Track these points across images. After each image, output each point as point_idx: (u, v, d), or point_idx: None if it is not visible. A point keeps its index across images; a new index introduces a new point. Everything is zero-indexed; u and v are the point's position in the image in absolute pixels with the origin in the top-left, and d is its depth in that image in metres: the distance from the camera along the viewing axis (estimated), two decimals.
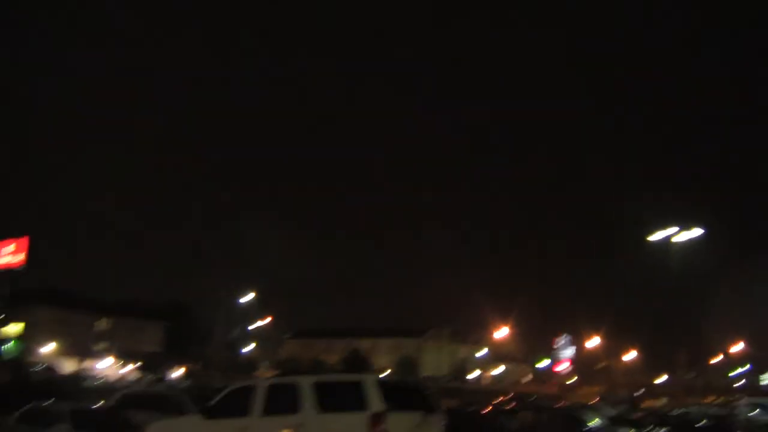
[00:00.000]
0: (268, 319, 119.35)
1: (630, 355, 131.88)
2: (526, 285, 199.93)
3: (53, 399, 24.86)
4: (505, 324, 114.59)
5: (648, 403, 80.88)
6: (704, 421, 38.04)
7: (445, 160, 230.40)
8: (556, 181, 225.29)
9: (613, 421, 34.19)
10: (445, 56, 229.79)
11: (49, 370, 79.94)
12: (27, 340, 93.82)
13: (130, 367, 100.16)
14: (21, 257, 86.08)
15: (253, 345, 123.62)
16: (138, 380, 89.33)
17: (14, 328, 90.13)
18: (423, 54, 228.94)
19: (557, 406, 41.67)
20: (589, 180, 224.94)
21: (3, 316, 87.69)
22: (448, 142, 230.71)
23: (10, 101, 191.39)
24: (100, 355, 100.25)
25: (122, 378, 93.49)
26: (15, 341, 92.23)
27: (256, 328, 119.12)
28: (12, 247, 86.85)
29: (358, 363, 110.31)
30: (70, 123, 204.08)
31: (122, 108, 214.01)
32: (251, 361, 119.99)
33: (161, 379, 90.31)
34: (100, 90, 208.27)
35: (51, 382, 67.34)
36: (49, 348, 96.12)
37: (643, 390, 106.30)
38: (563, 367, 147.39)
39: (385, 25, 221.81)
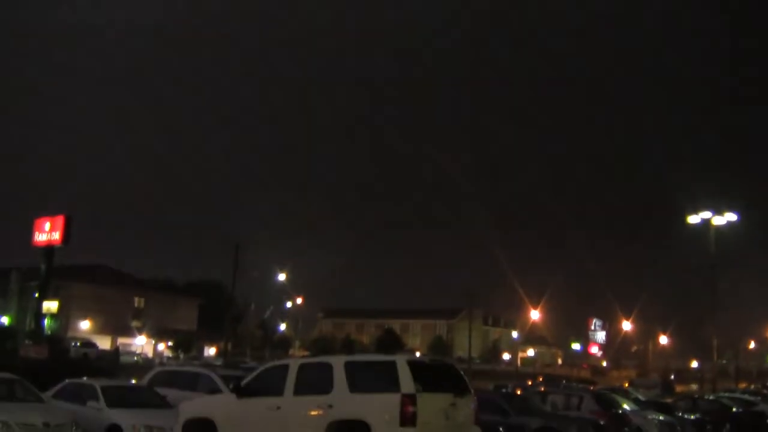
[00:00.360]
0: (301, 299, 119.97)
1: (663, 339, 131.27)
2: (560, 268, 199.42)
3: (88, 376, 25.19)
4: (538, 307, 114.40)
5: (680, 388, 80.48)
6: (736, 407, 37.80)
7: (477, 138, 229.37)
8: (590, 162, 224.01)
9: (644, 406, 34.07)
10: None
11: (87, 346, 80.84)
12: (63, 316, 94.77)
13: (165, 344, 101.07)
14: (57, 235, 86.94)
15: (285, 324, 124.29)
16: (173, 358, 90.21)
17: (51, 305, 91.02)
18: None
19: (588, 389, 41.52)
20: (625, 160, 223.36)
21: (41, 293, 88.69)
22: (482, 115, 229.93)
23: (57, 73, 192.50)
24: (135, 332, 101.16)
25: (157, 355, 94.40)
26: (51, 318, 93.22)
27: (289, 307, 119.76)
28: (48, 225, 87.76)
29: (391, 343, 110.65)
30: (115, 96, 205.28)
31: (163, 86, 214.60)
32: (284, 340, 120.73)
33: (196, 357, 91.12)
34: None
35: (88, 358, 68.33)
36: (84, 325, 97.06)
37: (675, 375, 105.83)
38: (595, 350, 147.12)
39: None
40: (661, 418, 30.39)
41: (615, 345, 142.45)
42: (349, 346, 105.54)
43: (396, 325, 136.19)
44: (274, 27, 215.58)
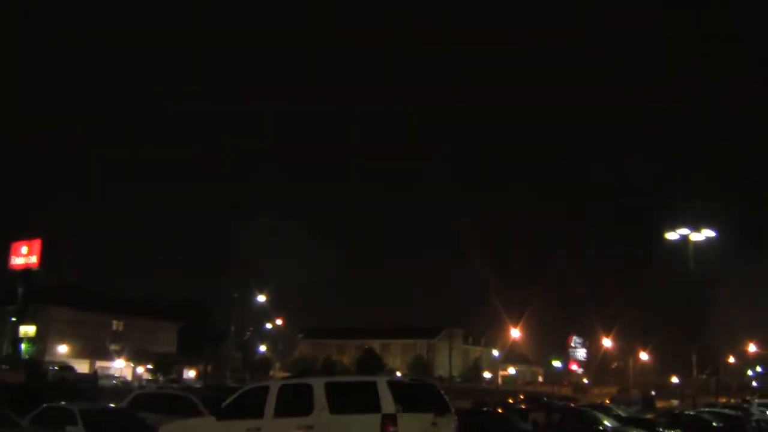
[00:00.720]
0: (280, 320, 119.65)
1: (643, 356, 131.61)
2: (540, 286, 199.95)
3: (67, 399, 25.00)
4: (518, 325, 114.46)
5: (661, 404, 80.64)
6: (716, 422, 37.89)
7: (458, 160, 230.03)
8: (570, 181, 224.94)
9: (625, 422, 34.14)
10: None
11: (65, 370, 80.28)
12: (41, 340, 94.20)
13: (144, 367, 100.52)
14: (34, 259, 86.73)
15: (265, 346, 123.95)
16: (152, 381, 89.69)
17: (28, 329, 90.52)
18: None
19: (569, 406, 41.57)
20: (605, 179, 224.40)
21: (18, 317, 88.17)
22: (466, 139, 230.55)
23: (23, 100, 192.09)
24: (114, 355, 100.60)
25: (136, 378, 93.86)
26: (28, 342, 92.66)
27: (268, 328, 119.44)
28: (25, 248, 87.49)
29: (371, 363, 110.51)
30: (82, 125, 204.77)
31: (133, 109, 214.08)
32: (264, 362, 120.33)
33: (175, 380, 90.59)
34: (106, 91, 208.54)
35: (66, 382, 67.74)
36: (62, 348, 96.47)
37: (655, 391, 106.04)
38: (575, 367, 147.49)
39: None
40: None
41: (595, 362, 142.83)
42: (329, 367, 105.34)
43: (376, 345, 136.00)
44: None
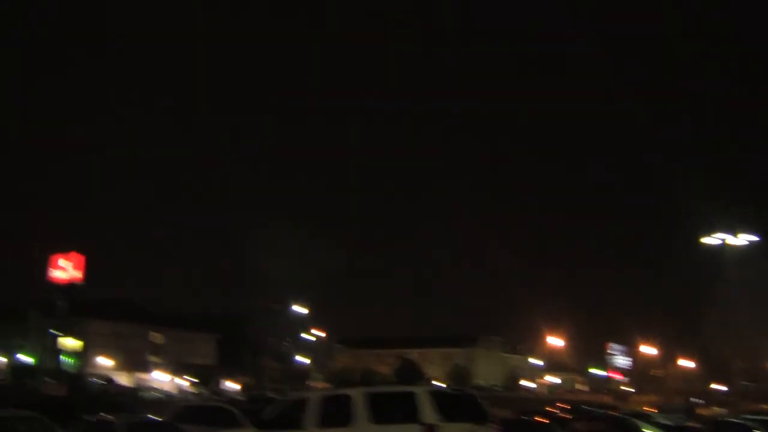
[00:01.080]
0: (319, 331, 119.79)
1: (686, 362, 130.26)
2: (580, 293, 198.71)
3: (108, 412, 25.17)
4: (558, 332, 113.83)
5: (704, 412, 79.79)
6: (760, 429, 37.45)
7: (493, 169, 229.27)
8: (609, 186, 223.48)
9: (668, 430, 33.88)
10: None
11: (107, 382, 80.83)
12: (82, 353, 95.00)
13: (184, 379, 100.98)
14: (77, 273, 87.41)
15: (304, 357, 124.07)
16: (193, 393, 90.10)
17: (72, 343, 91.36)
18: None
19: (611, 414, 41.21)
20: (642, 184, 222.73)
21: (60, 330, 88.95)
22: (495, 148, 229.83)
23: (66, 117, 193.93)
24: (154, 368, 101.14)
25: (178, 391, 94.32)
26: (71, 355, 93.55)
27: (307, 339, 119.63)
28: (67, 263, 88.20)
29: (410, 373, 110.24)
30: (126, 140, 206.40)
31: (178, 122, 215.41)
32: (303, 373, 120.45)
33: (216, 392, 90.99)
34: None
35: (107, 395, 68.27)
36: (104, 361, 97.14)
37: (698, 398, 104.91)
38: (617, 375, 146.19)
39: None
40: None
41: (636, 369, 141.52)
42: (368, 377, 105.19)
43: (415, 354, 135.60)
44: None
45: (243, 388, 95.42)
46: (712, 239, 62.25)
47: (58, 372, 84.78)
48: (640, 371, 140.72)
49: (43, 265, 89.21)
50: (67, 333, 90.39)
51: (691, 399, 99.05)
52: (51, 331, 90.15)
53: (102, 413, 24.88)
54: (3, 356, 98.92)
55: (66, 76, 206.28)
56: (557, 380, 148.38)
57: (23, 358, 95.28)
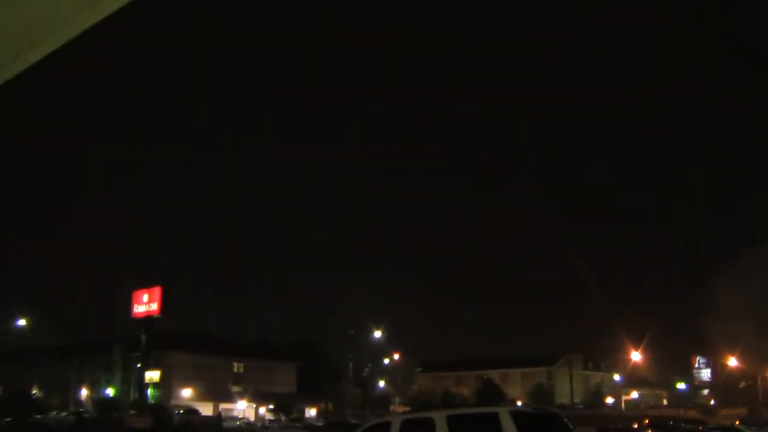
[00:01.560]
0: (398, 355, 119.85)
1: None
2: (659, 306, 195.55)
3: None
4: (639, 348, 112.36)
5: None
6: None
7: (557, 183, 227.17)
8: (684, 196, 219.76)
9: None
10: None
11: (190, 413, 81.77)
12: (165, 385, 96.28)
13: (265, 408, 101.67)
14: (155, 306, 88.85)
15: (384, 381, 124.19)
16: (274, 420, 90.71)
17: (153, 375, 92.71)
18: None
19: (697, 429, 40.59)
20: (716, 189, 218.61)
21: (143, 363, 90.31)
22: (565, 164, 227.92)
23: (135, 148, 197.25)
24: (236, 397, 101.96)
25: (260, 419, 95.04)
26: (153, 387, 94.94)
27: (386, 364, 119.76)
28: (146, 296, 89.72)
29: (491, 394, 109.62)
30: (203, 174, 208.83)
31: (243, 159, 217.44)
32: (383, 397, 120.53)
33: (298, 419, 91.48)
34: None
35: (192, 425, 69.17)
36: (186, 392, 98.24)
37: None
38: (702, 389, 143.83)
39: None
40: None
41: (721, 382, 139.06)
42: (449, 400, 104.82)
43: (495, 375, 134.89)
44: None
45: (323, 414, 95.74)
46: None
47: (144, 405, 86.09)
48: (725, 384, 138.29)
49: (126, 300, 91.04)
50: (150, 366, 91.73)
51: None
52: (134, 364, 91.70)
53: None
54: (88, 389, 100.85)
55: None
56: (638, 396, 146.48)
57: (108, 391, 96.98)
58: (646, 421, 77.52)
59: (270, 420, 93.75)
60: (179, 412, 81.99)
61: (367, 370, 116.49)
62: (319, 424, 70.69)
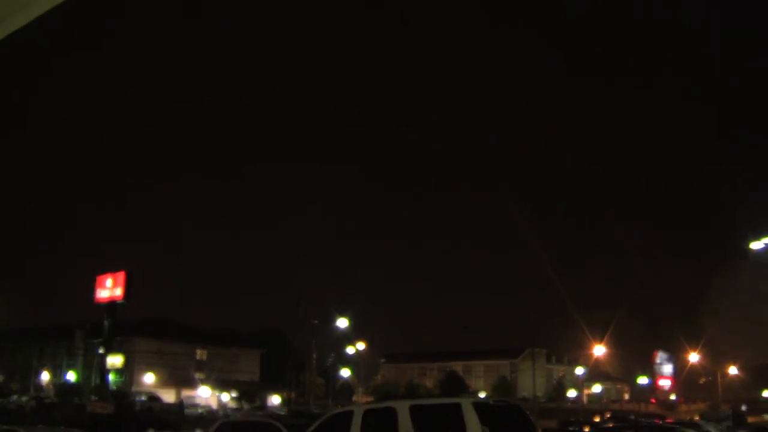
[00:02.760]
0: (362, 345, 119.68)
1: (732, 371, 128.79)
2: (623, 301, 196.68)
3: (154, 429, 25.31)
4: (602, 342, 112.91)
5: (752, 419, 78.83)
6: None
7: (534, 171, 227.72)
8: (650, 187, 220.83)
9: None
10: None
11: (152, 400, 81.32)
12: (128, 371, 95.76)
13: (228, 395, 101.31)
14: (119, 291, 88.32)
15: (348, 370, 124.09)
16: (237, 409, 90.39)
17: (115, 360, 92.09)
18: None
19: (657, 424, 40.77)
20: (688, 187, 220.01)
21: (105, 348, 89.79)
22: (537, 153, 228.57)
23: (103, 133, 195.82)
24: (198, 384, 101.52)
25: (221, 407, 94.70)
26: (115, 373, 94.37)
27: (350, 354, 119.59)
28: (110, 281, 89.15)
29: (454, 386, 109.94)
30: (163, 157, 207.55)
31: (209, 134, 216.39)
32: (347, 387, 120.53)
33: (260, 407, 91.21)
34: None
35: (153, 412, 68.75)
36: (148, 378, 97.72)
37: (746, 406, 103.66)
38: (663, 383, 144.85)
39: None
40: None
41: (682, 378, 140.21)
42: (412, 391, 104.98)
43: (458, 367, 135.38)
44: None
45: (286, 403, 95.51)
46: (760, 243, 61.26)
47: (105, 390, 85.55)
48: (686, 379, 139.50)
49: (88, 284, 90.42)
50: (113, 351, 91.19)
51: (742, 407, 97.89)
52: (96, 350, 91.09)
53: (147, 430, 25.03)
54: (50, 374, 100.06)
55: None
56: (600, 390, 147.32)
57: (70, 376, 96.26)
58: (608, 415, 78.05)
59: (232, 408, 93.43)
60: (141, 398, 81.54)
61: (330, 359, 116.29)
62: (282, 413, 70.32)
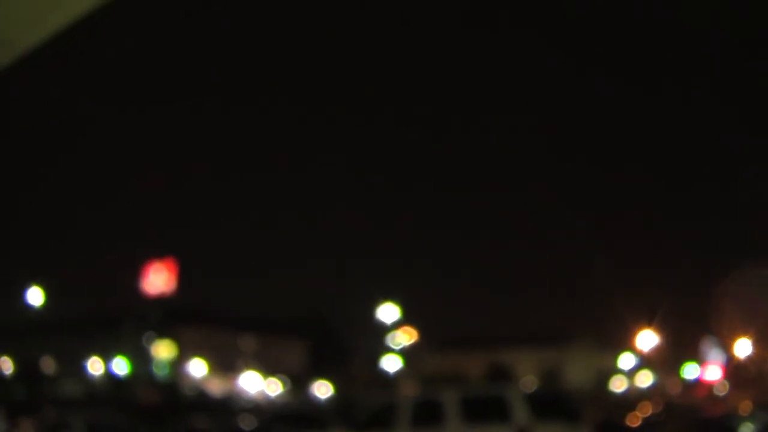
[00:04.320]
0: (411, 333, 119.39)
1: None
2: (673, 289, 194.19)
3: (202, 420, 25.52)
4: (652, 329, 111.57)
5: None
6: None
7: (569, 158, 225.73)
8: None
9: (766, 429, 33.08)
10: None
11: (200, 391, 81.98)
12: (177, 361, 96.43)
13: (275, 385, 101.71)
14: (168, 280, 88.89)
15: (395, 359, 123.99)
16: (284, 398, 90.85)
17: (165, 351, 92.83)
18: None
19: (707, 414, 40.42)
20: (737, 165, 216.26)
21: (154, 339, 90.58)
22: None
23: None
24: (245, 373, 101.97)
25: (269, 396, 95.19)
26: (164, 364, 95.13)
27: (398, 342, 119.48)
28: (158, 270, 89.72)
29: (501, 375, 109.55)
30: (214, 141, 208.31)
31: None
32: (394, 376, 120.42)
33: (307, 397, 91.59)
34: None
35: (201, 402, 69.42)
36: (196, 368, 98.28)
37: None
38: (712, 372, 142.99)
39: None
40: None
41: (736, 365, 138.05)
42: (460, 380, 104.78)
43: (505, 355, 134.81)
44: None
45: (334, 393, 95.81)
46: None
47: (153, 380, 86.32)
48: (737, 368, 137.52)
49: (136, 272, 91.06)
50: (161, 341, 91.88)
51: None
52: (145, 340, 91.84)
53: (196, 421, 25.23)
54: (102, 364, 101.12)
55: None
56: (649, 380, 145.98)
57: (119, 366, 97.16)
58: (657, 405, 77.17)
59: (282, 398, 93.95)
60: (188, 389, 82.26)
61: (379, 347, 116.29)
62: (330, 402, 70.70)
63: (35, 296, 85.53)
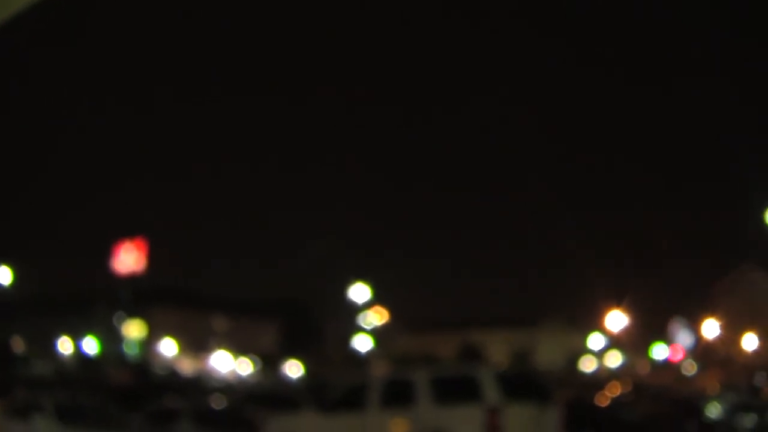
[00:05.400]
0: (381, 313, 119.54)
1: (752, 339, 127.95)
2: (642, 271, 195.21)
3: (172, 400, 25.43)
4: (622, 309, 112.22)
5: None
6: None
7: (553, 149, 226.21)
8: (670, 150, 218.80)
9: (736, 409, 33.36)
10: None
11: (170, 370, 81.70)
12: (146, 341, 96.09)
13: (247, 365, 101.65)
14: (139, 259, 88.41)
15: (366, 339, 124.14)
16: (256, 378, 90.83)
17: (135, 330, 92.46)
18: None
19: (677, 395, 40.76)
20: (706, 148, 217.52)
21: (124, 318, 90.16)
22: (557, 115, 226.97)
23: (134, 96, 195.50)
24: (216, 353, 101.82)
25: (240, 376, 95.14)
26: (134, 343, 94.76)
27: (370, 322, 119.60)
28: (128, 249, 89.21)
29: (472, 356, 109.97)
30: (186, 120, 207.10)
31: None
32: (366, 356, 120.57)
33: (279, 377, 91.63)
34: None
35: (171, 382, 69.12)
36: (167, 348, 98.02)
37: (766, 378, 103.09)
38: (680, 353, 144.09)
39: None
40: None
41: (704, 346, 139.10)
42: (430, 360, 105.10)
43: (476, 335, 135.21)
44: None
45: (305, 373, 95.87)
46: None
47: (123, 360, 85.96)
48: (705, 349, 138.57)
49: (107, 252, 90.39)
50: (132, 321, 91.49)
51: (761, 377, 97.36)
52: (115, 319, 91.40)
53: (166, 401, 25.14)
54: (72, 344, 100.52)
55: None
56: (619, 360, 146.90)
57: (89, 346, 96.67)
58: (625, 385, 77.70)
59: (251, 377, 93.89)
60: (158, 369, 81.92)
61: (348, 327, 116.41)
62: (301, 382, 70.80)
63: (3, 275, 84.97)
